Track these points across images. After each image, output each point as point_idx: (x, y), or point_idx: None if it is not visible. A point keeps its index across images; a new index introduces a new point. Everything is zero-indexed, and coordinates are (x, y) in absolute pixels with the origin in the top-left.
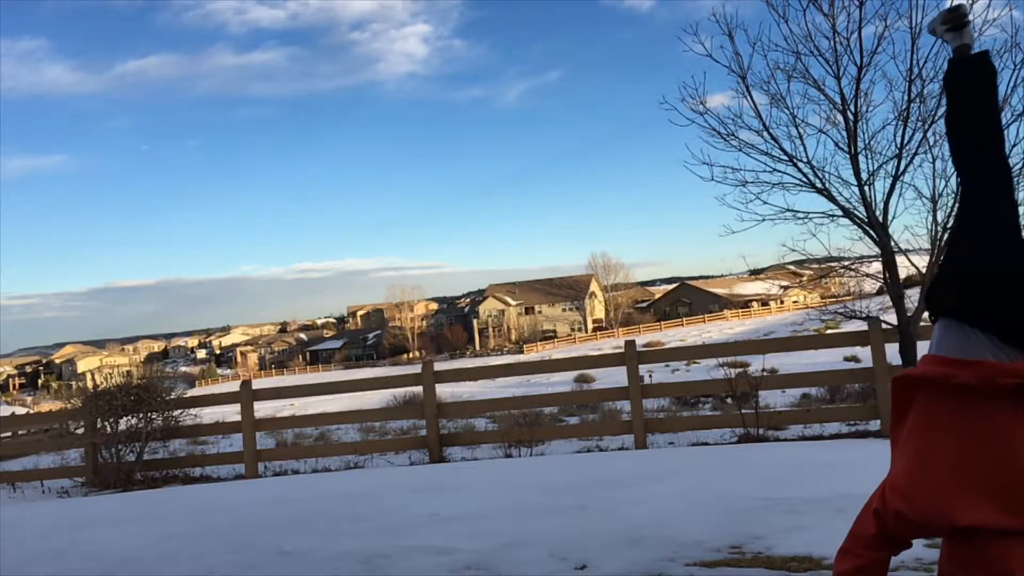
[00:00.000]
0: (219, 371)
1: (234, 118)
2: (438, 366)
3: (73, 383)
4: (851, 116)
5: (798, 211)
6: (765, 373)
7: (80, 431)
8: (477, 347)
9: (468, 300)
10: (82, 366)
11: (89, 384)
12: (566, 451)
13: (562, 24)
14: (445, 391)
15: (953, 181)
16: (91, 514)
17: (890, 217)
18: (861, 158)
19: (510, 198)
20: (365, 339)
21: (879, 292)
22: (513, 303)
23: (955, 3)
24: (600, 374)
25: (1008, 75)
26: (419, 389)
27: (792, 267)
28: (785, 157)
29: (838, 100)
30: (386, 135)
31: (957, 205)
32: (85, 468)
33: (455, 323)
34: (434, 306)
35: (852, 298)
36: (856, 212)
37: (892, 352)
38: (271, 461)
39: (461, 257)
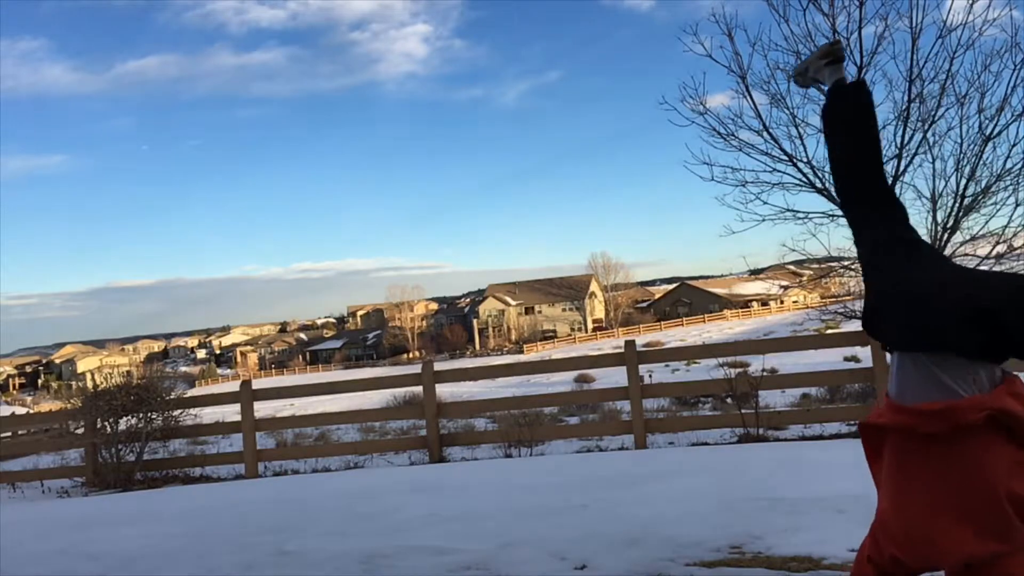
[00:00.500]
0: (219, 371)
1: (234, 118)
2: (438, 366)
3: (73, 383)
4: None
5: (798, 211)
6: (765, 373)
7: (80, 431)
8: (477, 347)
9: (468, 300)
10: (82, 366)
11: (89, 384)
12: (566, 451)
13: (562, 24)
14: (445, 391)
15: (953, 181)
16: (91, 514)
17: None
18: None
19: (510, 198)
20: (365, 339)
21: None
22: (513, 303)
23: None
24: (600, 374)
25: (1008, 75)
26: (419, 389)
27: (792, 267)
28: (785, 157)
29: None
30: (386, 135)
31: (854, 239)
32: (85, 468)
33: (455, 323)
34: (434, 306)
35: (852, 298)
36: None
37: None
38: (271, 461)
39: (461, 257)
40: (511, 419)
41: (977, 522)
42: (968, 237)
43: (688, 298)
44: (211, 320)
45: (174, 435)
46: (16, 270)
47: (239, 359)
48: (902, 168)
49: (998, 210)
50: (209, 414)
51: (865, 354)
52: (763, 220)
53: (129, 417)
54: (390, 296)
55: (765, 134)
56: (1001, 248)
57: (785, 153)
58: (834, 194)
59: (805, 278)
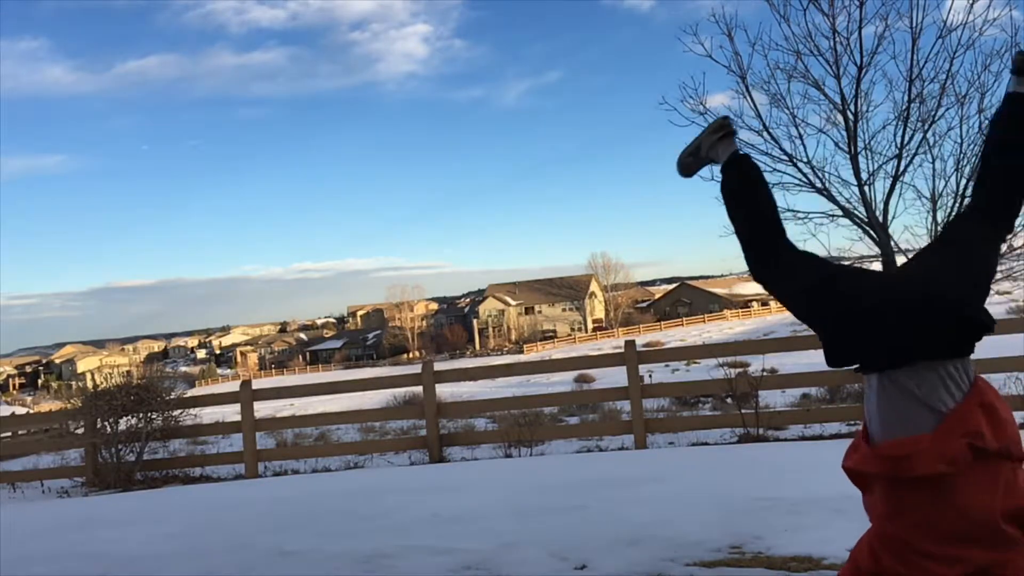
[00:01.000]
0: (219, 371)
1: (234, 118)
2: (438, 366)
3: (73, 383)
4: (851, 116)
5: (798, 211)
6: (765, 373)
7: (80, 431)
8: (477, 347)
9: (468, 300)
10: (82, 366)
11: (89, 384)
12: (566, 451)
13: (562, 24)
14: (445, 391)
15: (953, 181)
16: (91, 514)
17: (890, 217)
18: (861, 158)
19: (510, 198)
20: (365, 339)
21: None
22: (513, 303)
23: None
24: (600, 374)
25: (1008, 75)
26: (419, 389)
27: None
28: (785, 157)
29: (838, 100)
30: (386, 135)
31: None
32: (85, 468)
33: (455, 323)
34: (434, 306)
35: None
36: (856, 212)
37: None
38: (271, 461)
39: (461, 257)
40: (511, 419)
41: (979, 542)
42: None
43: (688, 298)
44: (211, 320)
45: (174, 435)
46: (16, 270)
47: (239, 359)
48: (902, 168)
49: None
50: (209, 414)
51: None
52: None
53: (129, 417)
54: (390, 296)
55: (765, 134)
56: (1001, 248)
57: (785, 153)
58: (833, 195)
59: None
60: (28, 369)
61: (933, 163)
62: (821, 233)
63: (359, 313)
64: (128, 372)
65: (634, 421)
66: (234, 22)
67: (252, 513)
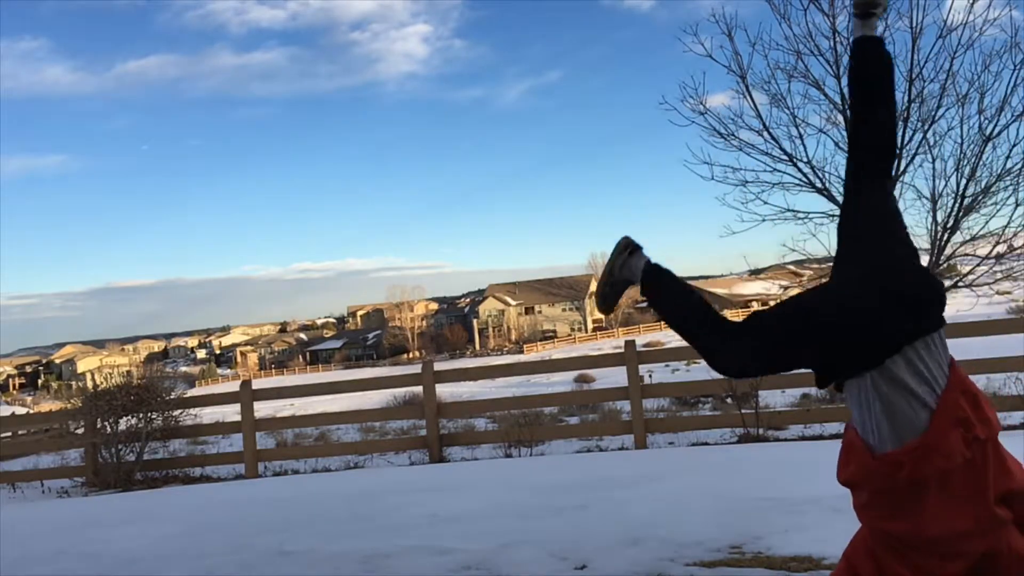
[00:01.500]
0: (219, 371)
1: (234, 118)
2: (438, 366)
3: (73, 383)
4: None
5: (798, 211)
6: None
7: (80, 431)
8: (477, 347)
9: (468, 300)
10: (82, 366)
11: (89, 384)
12: (566, 451)
13: (562, 24)
14: (445, 391)
15: (953, 181)
16: (91, 514)
17: None
18: None
19: (510, 198)
20: (365, 339)
21: None
22: (513, 303)
23: None
24: (600, 374)
25: (1008, 75)
26: (419, 389)
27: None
28: (785, 157)
29: (838, 100)
30: (386, 135)
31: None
32: (85, 468)
33: (455, 323)
34: (434, 306)
35: None
36: None
37: None
38: (271, 461)
39: (461, 257)
40: (511, 419)
41: (978, 532)
42: (968, 237)
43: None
44: (211, 320)
45: (174, 435)
46: (16, 270)
47: (239, 359)
48: (902, 168)
49: (998, 210)
50: (209, 414)
51: None
52: (763, 220)
53: (129, 417)
54: (390, 296)
55: (765, 134)
56: (1001, 248)
57: (785, 153)
58: (833, 195)
59: (805, 278)
60: (28, 369)
61: (933, 163)
62: (821, 233)
63: (359, 313)
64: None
65: (634, 421)
66: (234, 22)
67: (252, 513)
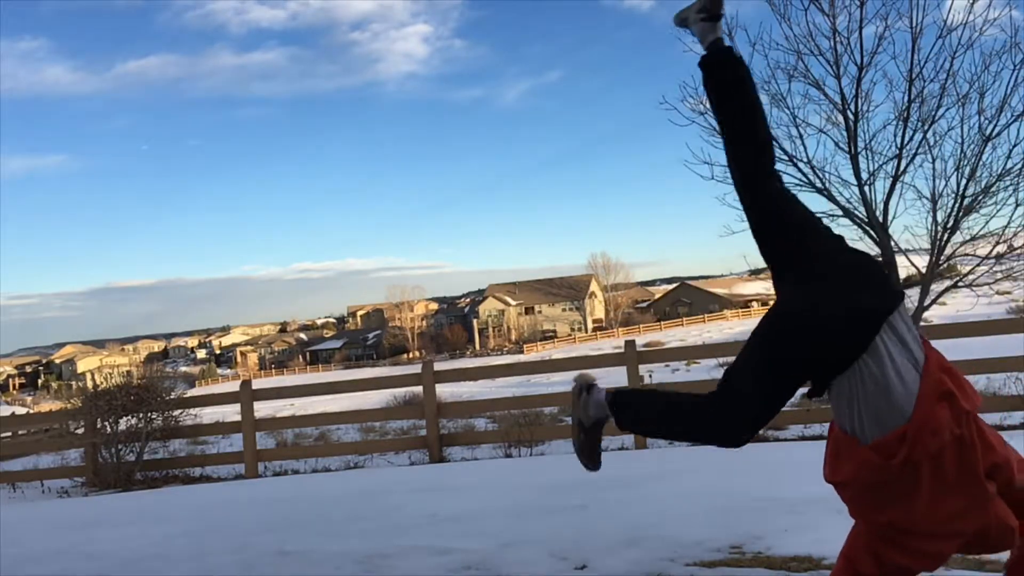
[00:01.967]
0: (219, 371)
1: (234, 118)
2: (438, 366)
3: (73, 383)
4: (851, 116)
5: None
6: None
7: (80, 431)
8: (477, 347)
9: (468, 300)
10: (82, 366)
11: (89, 384)
12: (566, 451)
13: (562, 24)
14: (445, 391)
15: (953, 181)
16: (91, 514)
17: (890, 217)
18: (861, 158)
19: (510, 198)
20: (365, 339)
21: None
22: (513, 303)
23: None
24: (600, 374)
25: (1008, 75)
26: (419, 389)
27: None
28: (785, 157)
29: (838, 100)
30: (386, 135)
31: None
32: (85, 468)
33: (455, 323)
34: (434, 306)
35: None
36: (856, 212)
37: None
38: (271, 461)
39: (461, 257)
40: (511, 419)
41: (973, 509)
42: (968, 237)
43: (688, 298)
44: (211, 320)
45: (174, 435)
46: (16, 270)
47: (239, 359)
48: (902, 168)
49: (998, 210)
50: (209, 414)
51: None
52: None
53: (129, 417)
54: (390, 296)
55: None
56: (1001, 248)
57: (785, 153)
58: (834, 195)
59: None
60: (28, 369)
61: (933, 163)
62: None
63: (359, 313)
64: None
65: None
66: (234, 22)
67: (252, 513)
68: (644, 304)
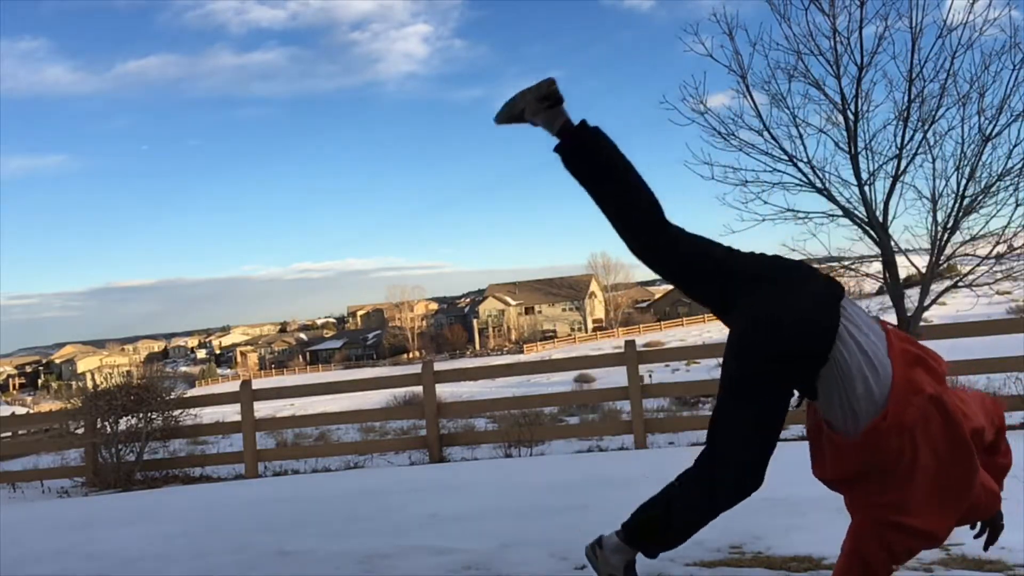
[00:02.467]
0: (219, 371)
1: (234, 118)
2: (438, 366)
3: (73, 383)
4: (851, 116)
5: (798, 211)
6: None
7: (80, 431)
8: (477, 347)
9: (468, 300)
10: (82, 366)
11: (89, 384)
12: (566, 451)
13: (562, 24)
14: (445, 391)
15: (953, 181)
16: (91, 514)
17: (890, 217)
18: (861, 158)
19: (510, 198)
20: (365, 339)
21: (879, 292)
22: (513, 303)
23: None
24: (600, 374)
25: (1008, 75)
26: (419, 389)
27: None
28: (785, 157)
29: (838, 100)
30: (386, 135)
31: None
32: (85, 468)
33: (455, 323)
34: (434, 306)
35: (852, 298)
36: (856, 212)
37: None
38: (271, 461)
39: (461, 257)
40: (511, 419)
41: (968, 479)
42: (968, 237)
43: (688, 298)
44: (211, 320)
45: (174, 435)
46: (16, 270)
47: (239, 359)
48: (902, 168)
49: (998, 210)
50: (209, 414)
51: None
52: (763, 220)
53: (129, 417)
54: (390, 296)
55: (765, 134)
56: (1001, 248)
57: (785, 153)
58: (834, 195)
59: None
60: (28, 369)
61: (933, 163)
62: (821, 233)
63: (359, 313)
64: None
65: (634, 421)
66: (234, 22)
67: (252, 513)
68: (644, 304)
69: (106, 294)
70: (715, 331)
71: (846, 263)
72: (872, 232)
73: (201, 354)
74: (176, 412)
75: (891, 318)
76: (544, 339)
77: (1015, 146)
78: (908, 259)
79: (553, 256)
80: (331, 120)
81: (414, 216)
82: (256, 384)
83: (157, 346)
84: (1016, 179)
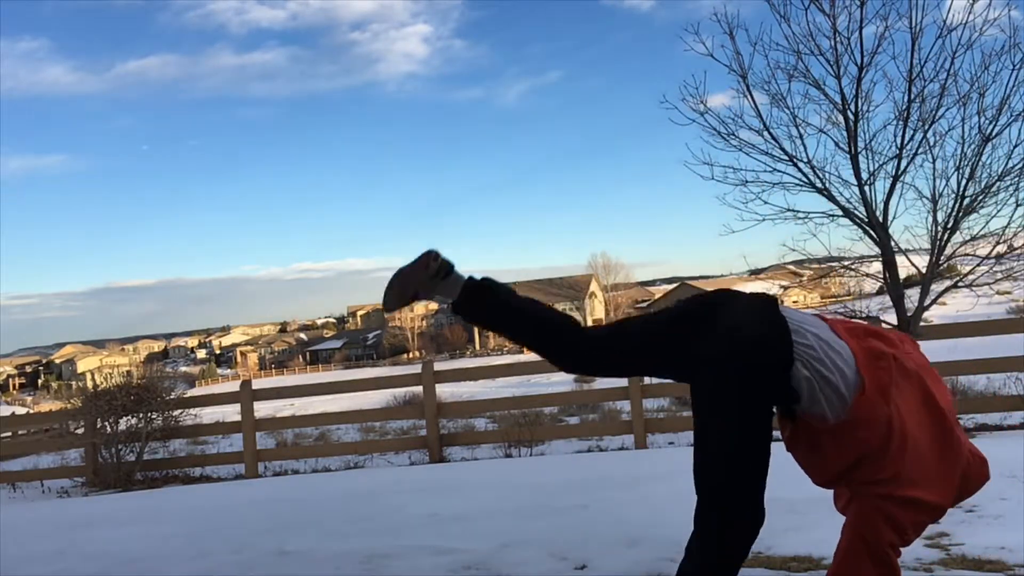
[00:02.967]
0: (219, 371)
1: (234, 118)
2: (438, 366)
3: (73, 383)
4: (851, 116)
5: (798, 211)
6: None
7: (80, 431)
8: (477, 347)
9: None
10: (82, 366)
11: (89, 384)
12: (566, 451)
13: (562, 24)
14: (445, 391)
15: (953, 181)
16: (91, 514)
17: (890, 217)
18: (861, 158)
19: (510, 198)
20: (365, 339)
21: (879, 292)
22: None
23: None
24: None
25: (1008, 75)
26: (419, 389)
27: (792, 267)
28: (785, 157)
29: (838, 100)
30: (386, 135)
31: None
32: (85, 468)
33: (455, 323)
34: (434, 306)
35: (852, 298)
36: (856, 212)
37: None
38: (271, 461)
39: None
40: (511, 419)
41: (955, 448)
42: (968, 237)
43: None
44: (211, 320)
45: (174, 435)
46: (16, 270)
47: (239, 359)
48: (902, 168)
49: (998, 210)
50: (209, 414)
51: None
52: (763, 220)
53: (129, 417)
54: None
55: (766, 134)
56: (1001, 248)
57: (786, 153)
58: (834, 195)
59: (805, 278)
60: (28, 369)
61: (934, 163)
62: (821, 233)
63: (359, 313)
64: (128, 372)
65: (634, 421)
66: (234, 22)
67: (252, 513)
68: (644, 304)
69: (106, 294)
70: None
71: (846, 263)
72: (872, 232)
73: (201, 354)
74: (176, 412)
75: (891, 318)
76: None
77: (1015, 146)
78: (908, 259)
79: (553, 256)
80: (331, 120)
81: (414, 216)
82: (256, 384)
83: (157, 346)
84: (1016, 179)
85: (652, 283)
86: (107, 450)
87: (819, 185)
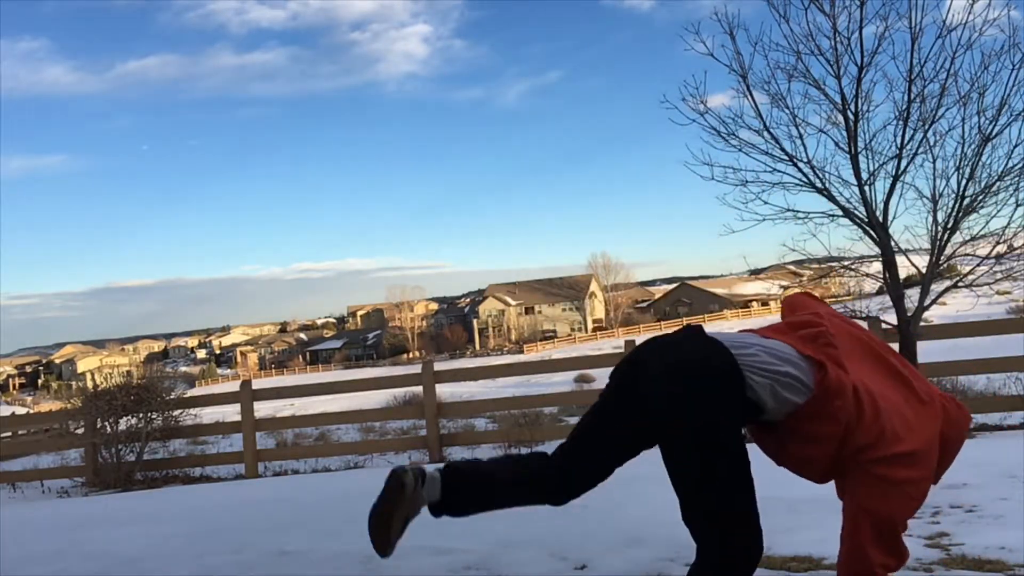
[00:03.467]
0: (219, 371)
1: (234, 118)
2: (438, 366)
3: (73, 383)
4: (851, 116)
5: (798, 211)
6: None
7: (80, 431)
8: (477, 347)
9: (468, 300)
10: (82, 366)
11: (89, 384)
12: None
13: (562, 24)
14: (445, 391)
15: (953, 181)
16: (91, 514)
17: (890, 217)
18: (861, 158)
19: (510, 198)
20: (365, 339)
21: (879, 292)
22: (513, 303)
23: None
24: (600, 374)
25: (1007, 75)
26: (419, 389)
27: (792, 267)
28: (785, 157)
29: (838, 100)
30: (386, 135)
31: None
32: (85, 468)
33: (455, 323)
34: (434, 306)
35: (852, 298)
36: (856, 212)
37: None
38: (271, 461)
39: (461, 257)
40: (511, 419)
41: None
42: (968, 237)
43: (688, 298)
44: (211, 320)
45: (174, 435)
46: (16, 270)
47: (239, 359)
48: (903, 168)
49: (998, 210)
50: (209, 414)
51: None
52: (763, 220)
53: (129, 417)
54: (390, 296)
55: (766, 134)
56: (1001, 248)
57: (786, 153)
58: (834, 195)
59: (805, 278)
60: (28, 369)
61: (934, 163)
62: (821, 233)
63: (359, 313)
64: (128, 372)
65: None
66: (234, 22)
67: (252, 513)
68: (644, 304)
69: (106, 294)
70: (715, 331)
71: (846, 263)
72: (872, 232)
73: (201, 354)
74: (176, 412)
75: (891, 318)
76: (544, 339)
77: (1015, 146)
78: (908, 259)
79: (553, 256)
80: (331, 120)
81: (414, 216)
82: (256, 384)
83: (157, 346)
84: (1016, 179)
85: (652, 283)
86: (107, 450)
87: (819, 185)
